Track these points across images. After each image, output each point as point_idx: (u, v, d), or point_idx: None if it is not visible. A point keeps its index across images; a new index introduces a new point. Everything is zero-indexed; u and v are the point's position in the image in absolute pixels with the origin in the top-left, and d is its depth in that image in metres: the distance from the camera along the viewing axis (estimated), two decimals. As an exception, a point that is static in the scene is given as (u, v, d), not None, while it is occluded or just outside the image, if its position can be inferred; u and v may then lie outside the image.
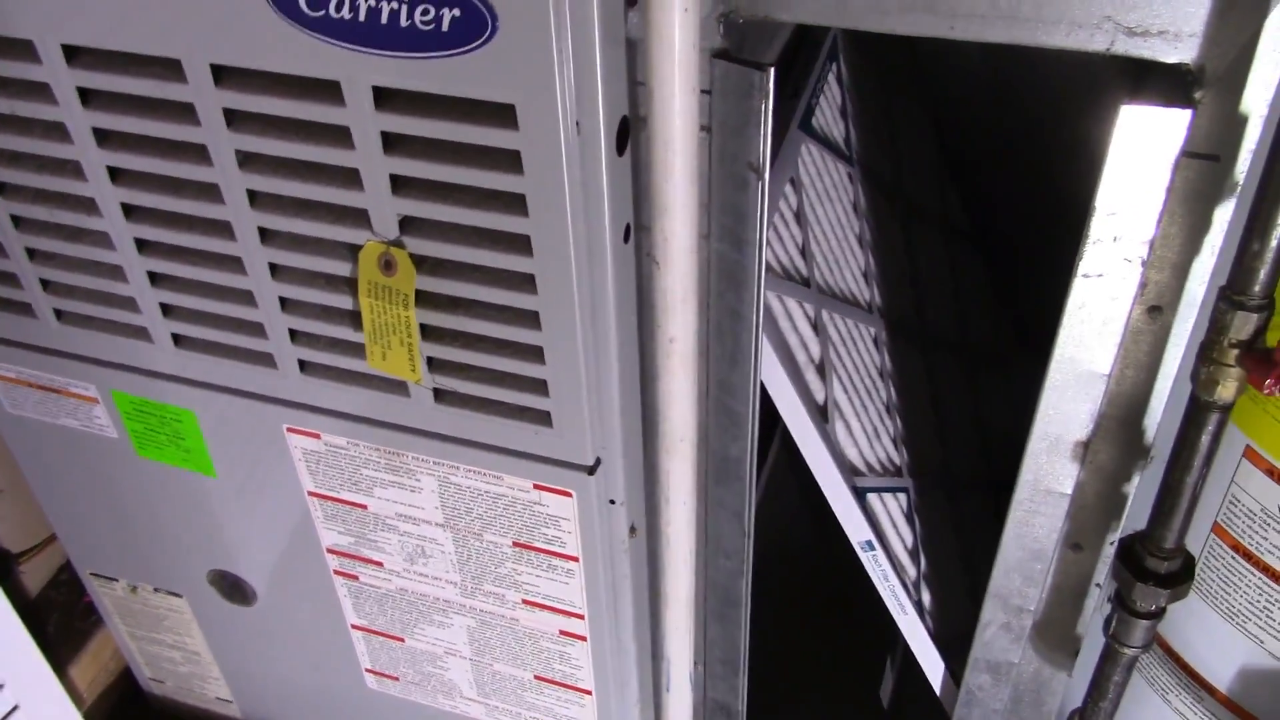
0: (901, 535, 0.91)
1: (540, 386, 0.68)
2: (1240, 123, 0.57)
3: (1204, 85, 0.56)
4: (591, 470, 0.72)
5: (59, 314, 0.79)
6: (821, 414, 0.84)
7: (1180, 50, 0.56)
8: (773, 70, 0.62)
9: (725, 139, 0.66)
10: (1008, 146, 1.31)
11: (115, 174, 0.69)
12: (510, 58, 0.54)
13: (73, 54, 0.64)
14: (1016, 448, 0.71)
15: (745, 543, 0.83)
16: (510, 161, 0.59)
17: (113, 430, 0.86)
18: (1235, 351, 0.57)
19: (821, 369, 0.85)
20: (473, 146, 0.59)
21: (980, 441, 1.18)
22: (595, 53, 0.55)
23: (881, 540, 0.87)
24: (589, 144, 0.58)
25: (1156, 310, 0.64)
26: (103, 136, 0.67)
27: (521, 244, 0.62)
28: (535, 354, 0.67)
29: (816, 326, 0.85)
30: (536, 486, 0.74)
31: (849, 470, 0.85)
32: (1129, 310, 0.63)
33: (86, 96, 0.65)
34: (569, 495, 0.74)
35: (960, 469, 1.10)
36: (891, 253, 1.06)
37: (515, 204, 0.60)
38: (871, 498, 0.87)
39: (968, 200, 1.35)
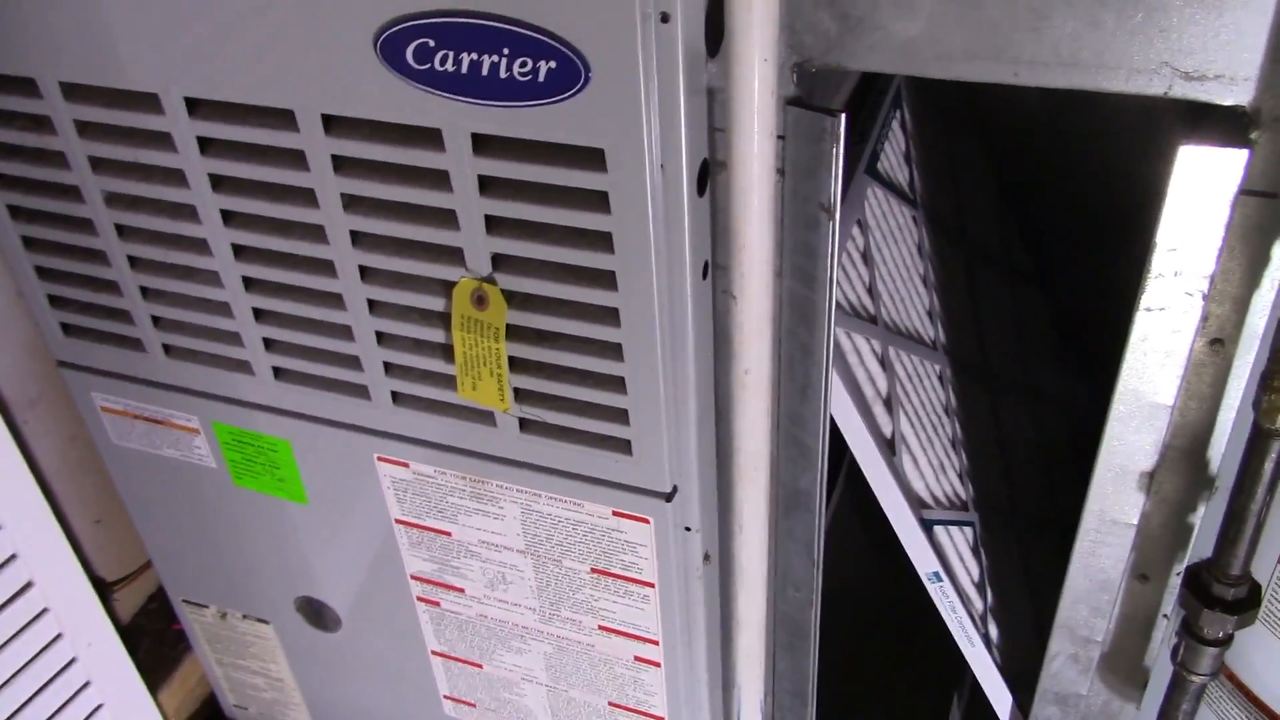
0: (968, 568, 0.93)
1: (621, 416, 0.72)
2: (1297, 161, 0.59)
3: (1260, 126, 0.59)
4: (669, 497, 0.75)
5: (167, 349, 0.85)
6: (889, 447, 0.86)
7: (1236, 93, 0.59)
8: (843, 116, 0.65)
9: (798, 181, 0.69)
10: (1068, 187, 1.33)
11: (228, 216, 0.74)
12: (602, 105, 0.58)
13: (193, 105, 0.69)
14: (1082, 489, 0.73)
15: (814, 574, 0.85)
16: (598, 202, 0.63)
17: (212, 460, 0.91)
18: (1296, 380, 0.59)
19: (889, 404, 0.87)
20: (563, 188, 0.63)
21: (1047, 483, 1.19)
22: (680, 100, 0.59)
23: (949, 572, 0.88)
24: (672, 185, 0.62)
25: (1218, 343, 0.66)
26: (217, 182, 0.72)
27: (607, 279, 0.66)
28: (618, 384, 0.70)
29: (884, 362, 0.88)
30: (615, 513, 0.77)
31: (916, 502, 0.87)
32: (1191, 343, 0.65)
33: (204, 145, 0.71)
34: (646, 522, 0.77)
35: (1026, 509, 1.11)
36: (955, 293, 1.08)
37: (602, 242, 0.64)
38: (938, 530, 0.89)
39: (1030, 242, 1.37)
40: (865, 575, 1.17)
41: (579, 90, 0.58)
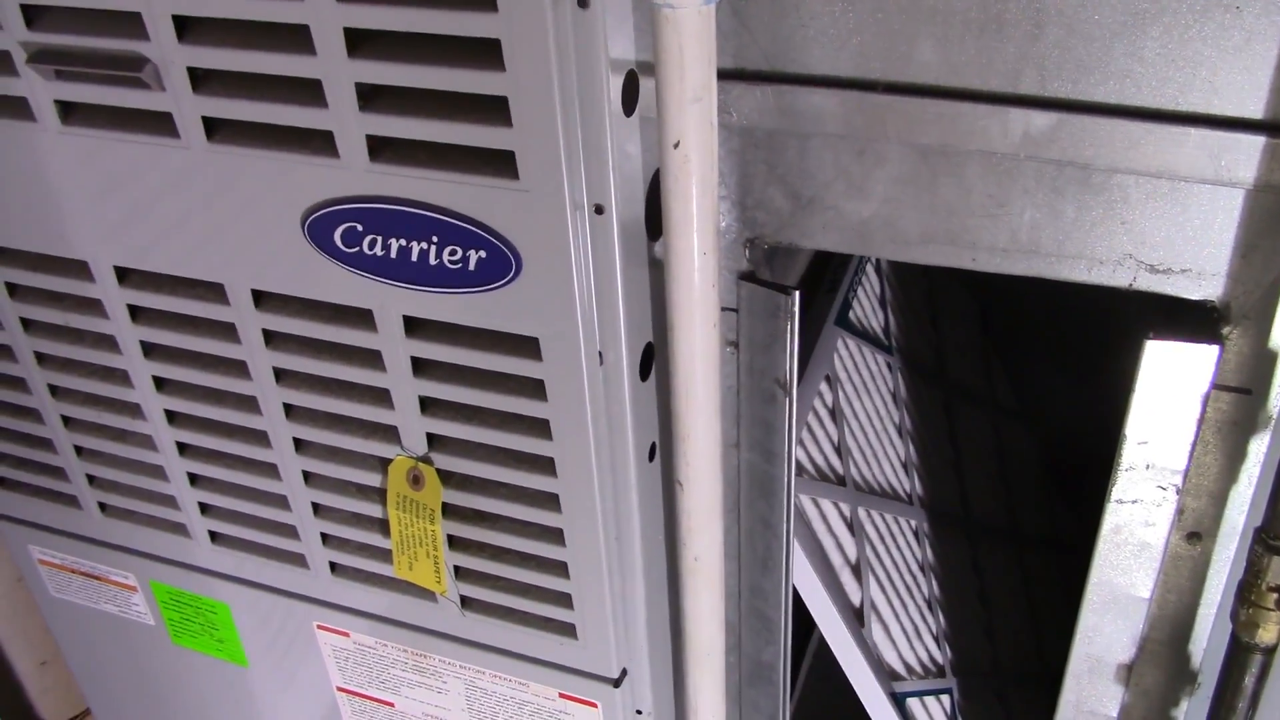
0: (945, 741, 0.88)
1: (565, 600, 0.68)
2: (1271, 358, 0.56)
3: (1231, 321, 0.56)
4: (617, 683, 0.71)
5: (103, 507, 0.81)
6: (858, 617, 0.82)
7: (1204, 288, 0.56)
8: (798, 294, 0.63)
9: (753, 355, 0.66)
10: (1055, 318, 1.30)
11: (160, 383, 0.71)
12: (534, 295, 0.55)
13: (124, 275, 0.67)
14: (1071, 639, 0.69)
15: (779, 749, 0.81)
16: (534, 388, 0.59)
17: (150, 618, 0.87)
18: (1275, 595, 0.55)
19: (858, 569, 0.83)
20: (498, 373, 0.60)
21: (1034, 634, 1.14)
22: (617, 290, 0.56)
23: (922, 749, 0.84)
24: (612, 372, 0.59)
25: (1196, 536, 0.62)
26: (149, 349, 0.69)
27: (545, 465, 0.62)
28: (560, 569, 0.67)
29: (852, 526, 0.84)
30: (562, 695, 0.73)
31: (886, 675, 0.83)
32: (1166, 536, 0.62)
33: (135, 313, 0.68)
34: (594, 706, 0.72)
35: (1010, 664, 1.06)
36: (934, 440, 1.05)
37: (539, 428, 0.61)
38: (911, 702, 0.85)
39: (1015, 375, 1.34)
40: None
41: (510, 280, 0.55)
